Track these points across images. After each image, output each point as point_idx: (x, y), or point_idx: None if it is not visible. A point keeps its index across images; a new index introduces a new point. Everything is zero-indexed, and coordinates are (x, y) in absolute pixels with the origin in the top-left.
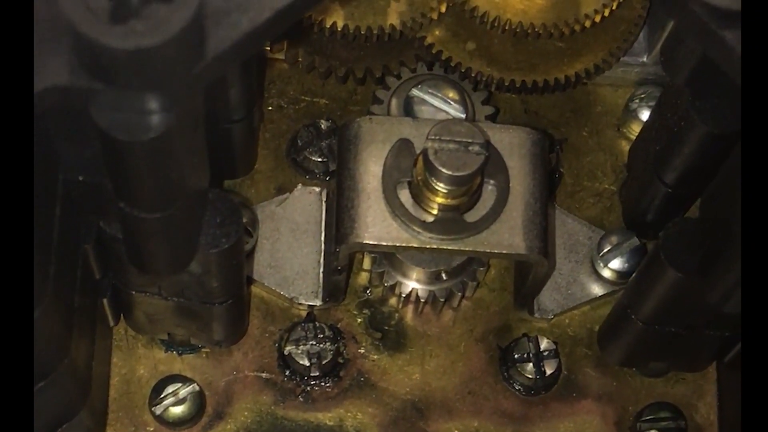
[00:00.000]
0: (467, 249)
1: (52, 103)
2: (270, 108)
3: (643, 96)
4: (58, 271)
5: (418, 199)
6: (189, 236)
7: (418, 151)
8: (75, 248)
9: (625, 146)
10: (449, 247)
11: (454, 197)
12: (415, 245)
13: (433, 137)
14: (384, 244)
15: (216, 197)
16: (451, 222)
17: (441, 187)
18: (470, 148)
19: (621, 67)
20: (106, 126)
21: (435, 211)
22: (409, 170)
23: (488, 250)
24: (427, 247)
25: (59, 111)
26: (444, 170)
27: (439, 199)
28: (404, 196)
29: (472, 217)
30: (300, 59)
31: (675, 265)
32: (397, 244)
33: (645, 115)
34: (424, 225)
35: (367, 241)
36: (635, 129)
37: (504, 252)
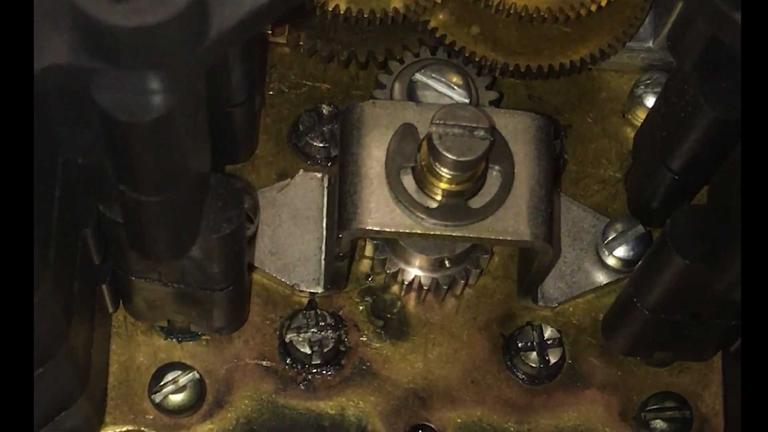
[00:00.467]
0: (471, 236)
1: (52, 84)
2: (271, 92)
3: (648, 82)
4: (57, 256)
5: (422, 184)
6: (190, 221)
7: (421, 136)
8: (74, 233)
9: (630, 133)
10: (453, 234)
11: (459, 183)
12: (418, 232)
13: (437, 122)
14: (387, 230)
15: (218, 182)
16: (455, 208)
17: (445, 172)
18: (475, 132)
19: (626, 53)
20: (107, 106)
21: (439, 197)
22: (412, 155)
23: (492, 237)
24: (431, 233)
25: (59, 92)
26: (448, 155)
27: (443, 185)
28: (408, 181)
29: (476, 203)
30: (302, 43)
31: (682, 253)
32: (401, 231)
33: (650, 101)
34: (428, 211)
35: (370, 227)
36: (640, 115)
37: (508, 239)
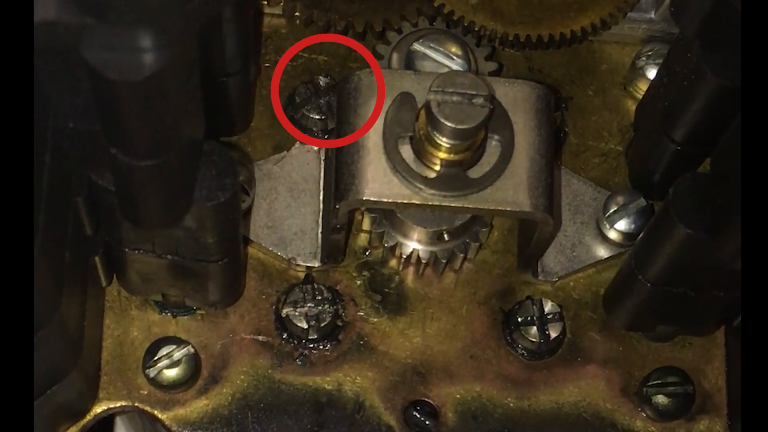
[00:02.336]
0: (470, 206)
1: (40, 41)
2: (267, 65)
3: (650, 53)
4: (47, 222)
5: (420, 154)
6: (183, 188)
7: (420, 105)
8: (65, 201)
9: (632, 105)
10: (452, 204)
11: (457, 152)
12: (416, 202)
13: (436, 89)
14: (385, 200)
15: (212, 149)
16: (453, 178)
17: (444, 141)
18: (474, 100)
19: (627, 24)
20: (98, 65)
21: (437, 167)
22: (410, 124)
23: (492, 208)
24: (429, 204)
25: (49, 51)
26: (447, 123)
27: (442, 155)
28: (406, 151)
29: (475, 173)
30: (298, 13)
31: (685, 222)
32: (398, 201)
33: (652, 73)
34: (426, 181)
35: (368, 198)
36: (642, 87)
37: (508, 209)
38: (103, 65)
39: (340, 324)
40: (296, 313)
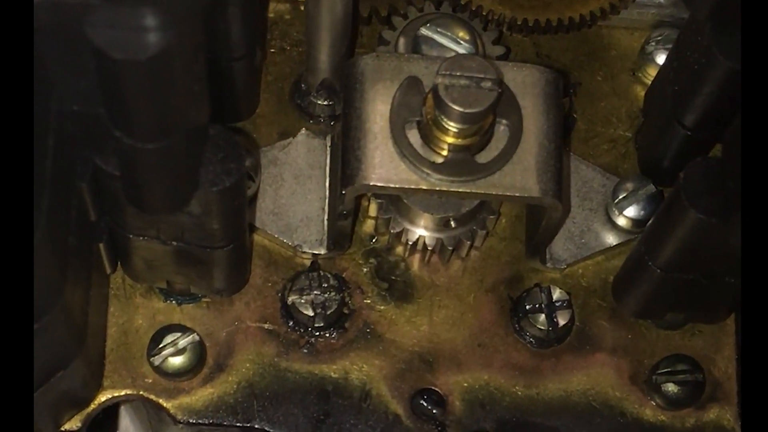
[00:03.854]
0: (478, 191)
1: (44, 21)
2: (273, 50)
3: (659, 38)
4: (51, 206)
5: (428, 139)
6: (188, 172)
7: (427, 89)
8: (69, 185)
9: (641, 91)
10: (459, 190)
11: (465, 137)
12: (424, 187)
13: (443, 72)
14: (392, 186)
15: (217, 133)
16: (461, 163)
17: (452, 125)
18: (482, 84)
19: (637, 9)
20: (102, 44)
21: (445, 152)
22: (418, 109)
23: (500, 193)
24: (437, 189)
25: (52, 31)
26: (455, 107)
27: (450, 139)
28: (413, 136)
29: (483, 158)
30: None
31: (696, 207)
32: (405, 186)
33: (661, 58)
34: (434, 166)
35: (375, 183)
36: (651, 73)
37: (516, 195)
38: (107, 44)
39: (346, 312)
40: (302, 301)
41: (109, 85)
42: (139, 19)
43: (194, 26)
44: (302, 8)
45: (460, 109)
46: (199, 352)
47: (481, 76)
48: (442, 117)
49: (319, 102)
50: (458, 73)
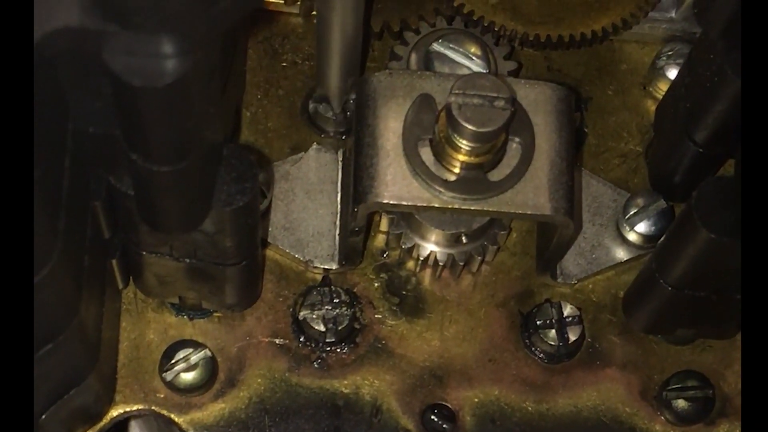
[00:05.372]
0: (490, 209)
1: (62, 47)
2: (284, 64)
3: (670, 53)
4: (67, 227)
5: (440, 157)
6: (203, 192)
7: (440, 107)
8: (84, 205)
9: (652, 105)
10: (472, 207)
11: (478, 155)
12: (436, 205)
13: (457, 91)
14: (404, 203)
15: (231, 152)
16: (473, 181)
17: (464, 144)
18: (495, 103)
19: (648, 23)
20: (120, 71)
21: (457, 170)
22: (430, 127)
23: (512, 211)
24: (449, 207)
25: (70, 56)
26: (468, 126)
27: (462, 157)
28: (425, 153)
29: (495, 176)
30: (315, 13)
31: (708, 226)
32: (418, 204)
33: (672, 73)
34: (446, 184)
35: (387, 201)
36: (662, 88)
37: (528, 213)
38: (125, 71)
39: (357, 327)
40: (313, 316)
41: (126, 110)
42: (157, 46)
43: (212, 50)
44: (315, 21)
45: (474, 129)
46: (211, 367)
47: (495, 95)
48: (455, 135)
49: (329, 116)
50: (471, 92)
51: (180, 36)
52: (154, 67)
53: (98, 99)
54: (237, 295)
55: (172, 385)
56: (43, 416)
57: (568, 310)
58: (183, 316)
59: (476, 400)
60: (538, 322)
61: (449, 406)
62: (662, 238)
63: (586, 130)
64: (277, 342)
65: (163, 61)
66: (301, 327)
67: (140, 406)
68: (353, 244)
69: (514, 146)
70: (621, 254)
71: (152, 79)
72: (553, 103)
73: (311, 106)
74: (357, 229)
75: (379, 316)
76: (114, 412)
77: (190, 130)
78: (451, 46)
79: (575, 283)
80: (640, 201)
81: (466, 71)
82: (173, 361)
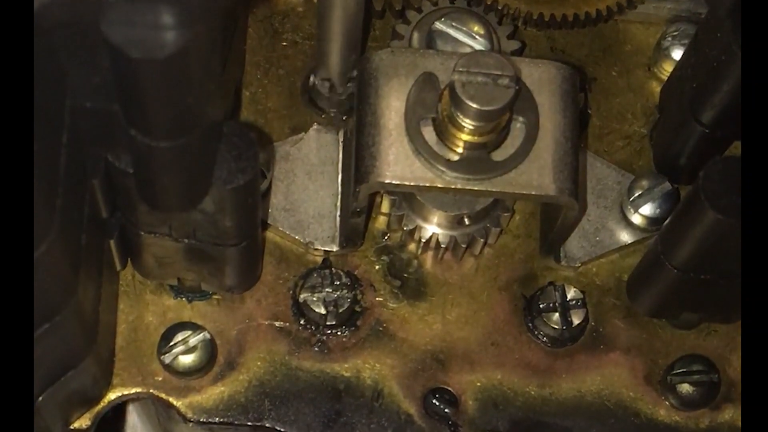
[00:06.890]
0: (494, 190)
1: (60, 18)
2: (284, 44)
3: (675, 34)
4: (65, 205)
5: (443, 136)
6: (202, 170)
7: (443, 86)
8: (82, 183)
9: (656, 87)
10: (475, 188)
11: (481, 134)
12: (439, 185)
13: (460, 69)
14: (406, 183)
15: (232, 130)
16: (477, 161)
17: (468, 123)
18: (499, 81)
19: (653, 3)
20: (118, 42)
21: (460, 150)
22: (433, 106)
23: (516, 191)
24: (452, 187)
25: (67, 28)
26: (472, 104)
27: (465, 137)
28: (428, 133)
29: (499, 155)
30: None
31: (716, 207)
32: (420, 184)
33: (677, 53)
34: (449, 164)
35: (389, 181)
36: (667, 68)
37: (533, 193)
38: (124, 43)
39: (358, 310)
40: (314, 299)
41: (125, 83)
42: (157, 16)
43: (212, 24)
44: (314, 1)
45: (477, 107)
46: (210, 350)
47: (498, 73)
48: (459, 114)
49: (331, 96)
50: (475, 70)
51: (180, 7)
52: (153, 38)
53: (96, 74)
54: (236, 276)
55: (170, 368)
56: (40, 398)
57: (571, 293)
58: (182, 298)
59: (478, 384)
60: (541, 306)
61: (451, 390)
62: (668, 220)
63: (589, 111)
64: (277, 325)
65: (162, 33)
66: (301, 310)
67: (138, 389)
68: (354, 226)
69: (518, 126)
70: (625, 237)
71: (152, 50)
72: (558, 83)
73: (312, 81)
74: (358, 210)
75: (381, 299)
76: (112, 395)
77: (190, 105)
78: (453, 24)
79: (579, 266)
80: (644, 183)
81: (468, 50)
82: (172, 344)
